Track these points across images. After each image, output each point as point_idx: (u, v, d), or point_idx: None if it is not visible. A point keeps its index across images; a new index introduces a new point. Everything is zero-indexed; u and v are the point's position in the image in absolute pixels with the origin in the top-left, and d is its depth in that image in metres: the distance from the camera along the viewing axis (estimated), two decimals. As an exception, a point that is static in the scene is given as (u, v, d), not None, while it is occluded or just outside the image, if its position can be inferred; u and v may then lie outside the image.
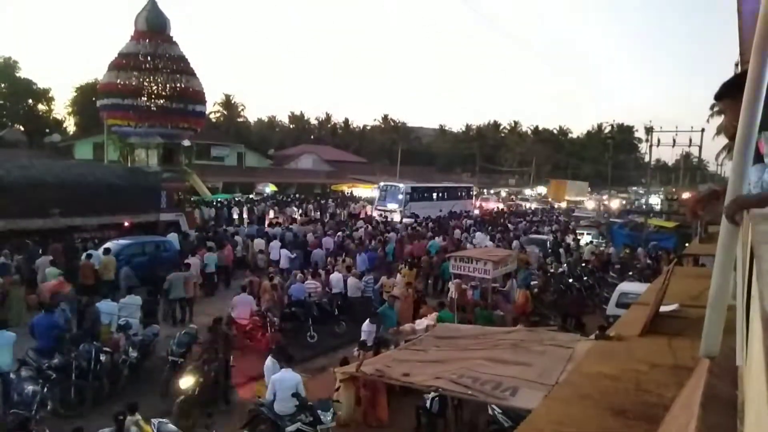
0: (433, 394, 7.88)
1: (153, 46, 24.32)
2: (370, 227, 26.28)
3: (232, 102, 68.87)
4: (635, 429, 1.69)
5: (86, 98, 44.78)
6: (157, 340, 10.83)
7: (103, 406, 8.65)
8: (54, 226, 17.97)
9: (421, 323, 11.30)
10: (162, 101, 23.90)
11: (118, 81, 23.75)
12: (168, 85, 24.07)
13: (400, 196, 34.29)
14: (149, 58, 24.03)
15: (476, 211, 46.35)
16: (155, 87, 23.87)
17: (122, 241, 16.81)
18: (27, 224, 17.38)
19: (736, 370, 1.38)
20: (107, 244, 16.03)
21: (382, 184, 37.44)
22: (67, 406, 8.54)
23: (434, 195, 38.65)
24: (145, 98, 23.69)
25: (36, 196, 17.63)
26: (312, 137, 76.77)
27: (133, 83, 23.56)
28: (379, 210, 34.05)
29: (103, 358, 9.21)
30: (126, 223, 20.44)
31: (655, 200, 46.15)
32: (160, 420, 7.23)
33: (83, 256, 14.93)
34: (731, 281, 1.56)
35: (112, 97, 24.09)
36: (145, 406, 7.74)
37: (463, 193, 43.01)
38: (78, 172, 20.64)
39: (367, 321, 11.13)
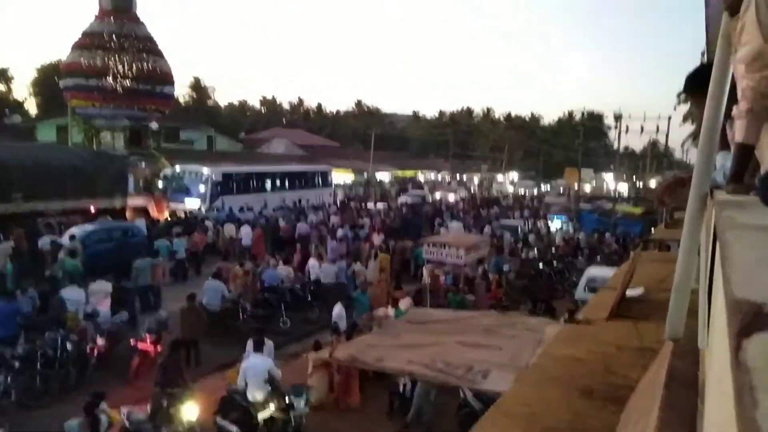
0: (406, 378, 7.97)
1: (118, 26, 23.55)
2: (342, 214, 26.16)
3: (202, 85, 67.31)
4: (602, 410, 1.74)
5: (48, 79, 43.15)
6: (126, 327, 10.63)
7: (70, 395, 8.48)
8: (16, 211, 17.34)
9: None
10: (128, 82, 23.23)
11: (82, 61, 22.98)
12: (134, 66, 23.40)
13: (202, 187, 23.71)
14: (114, 38, 23.28)
15: (452, 197, 42.57)
16: (121, 67, 23.19)
17: (88, 227, 16.36)
18: (-13, 209, 16.76)
19: (698, 352, 1.42)
20: (72, 230, 15.59)
21: (177, 169, 25.57)
22: (32, 396, 8.32)
23: (267, 183, 28.22)
24: (111, 79, 22.99)
25: (-4, 179, 16.99)
26: (284, 121, 75.67)
27: (98, 63, 22.84)
28: (174, 206, 23.30)
29: (69, 346, 8.98)
30: (92, 209, 19.91)
31: (624, 186, 47.28)
32: (129, 408, 7.12)
33: (48, 242, 14.48)
34: (695, 266, 1.61)
35: (75, 77, 23.29)
36: (113, 395, 7.61)
37: (319, 180, 32.26)
38: (41, 155, 19.87)
39: (338, 304, 11.16)
